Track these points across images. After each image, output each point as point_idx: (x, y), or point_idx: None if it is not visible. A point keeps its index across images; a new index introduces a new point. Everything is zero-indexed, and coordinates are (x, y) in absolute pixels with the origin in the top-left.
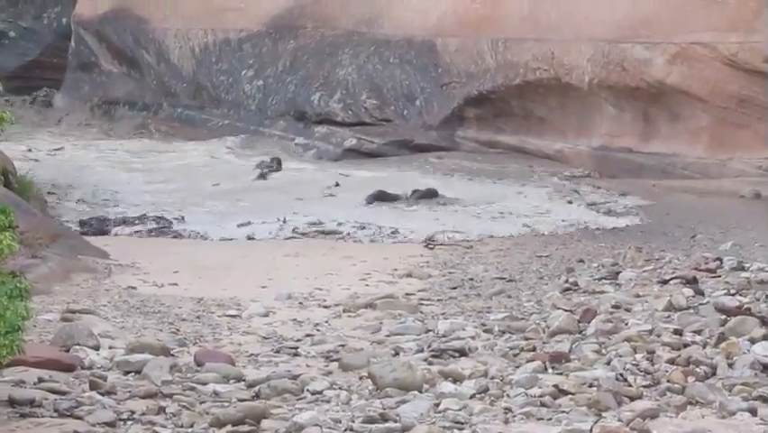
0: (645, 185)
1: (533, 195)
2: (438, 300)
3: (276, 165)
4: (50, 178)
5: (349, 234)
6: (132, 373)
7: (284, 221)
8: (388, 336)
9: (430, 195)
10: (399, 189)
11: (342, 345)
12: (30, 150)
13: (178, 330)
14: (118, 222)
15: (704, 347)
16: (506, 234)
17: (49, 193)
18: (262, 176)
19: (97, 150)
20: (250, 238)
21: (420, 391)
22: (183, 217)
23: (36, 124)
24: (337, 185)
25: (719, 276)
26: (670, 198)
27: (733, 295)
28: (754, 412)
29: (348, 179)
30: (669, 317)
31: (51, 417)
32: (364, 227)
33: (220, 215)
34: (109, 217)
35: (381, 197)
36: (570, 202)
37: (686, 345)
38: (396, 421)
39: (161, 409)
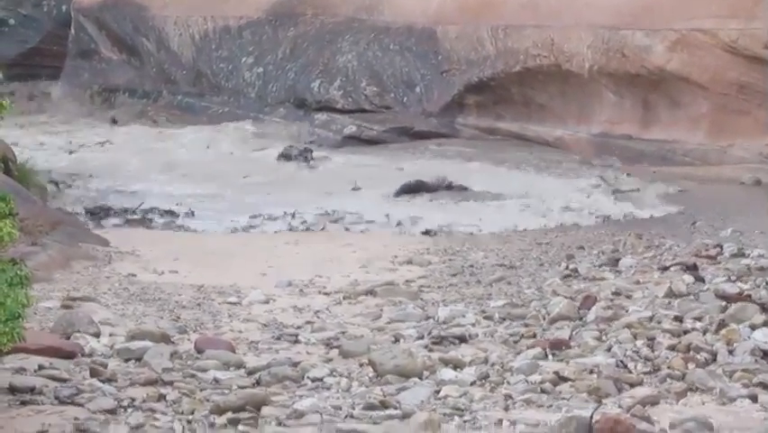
0: (647, 171)
1: (562, 186)
2: (438, 287)
3: (310, 156)
4: (82, 170)
5: (367, 229)
6: (133, 361)
7: (293, 216)
8: (388, 322)
9: (460, 187)
10: (427, 181)
11: (343, 332)
12: (70, 142)
13: (178, 317)
14: (119, 212)
15: (704, 334)
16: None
17: (68, 185)
18: (309, 166)
19: (128, 140)
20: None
21: (420, 378)
22: (192, 213)
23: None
24: (358, 187)
25: (720, 263)
26: (702, 186)
27: (733, 281)
28: (754, 399)
29: (375, 169)
30: (669, 303)
31: (52, 404)
32: (383, 221)
33: (240, 209)
34: (112, 207)
35: (413, 188)
36: (603, 194)
37: (686, 332)
38: (396, 408)
39: (162, 397)
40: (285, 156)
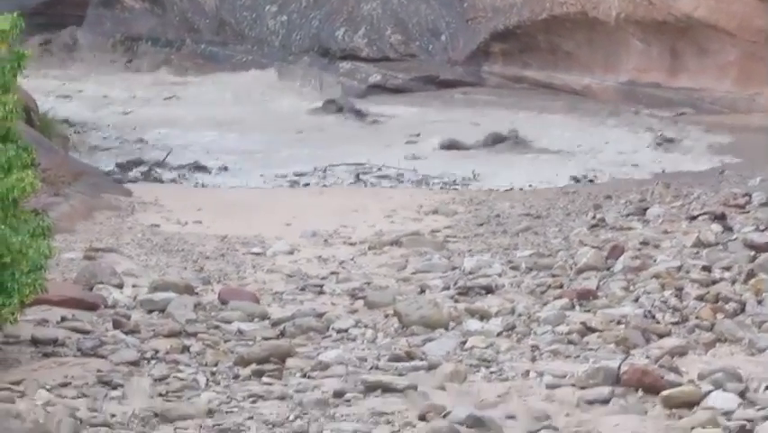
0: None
1: (618, 138)
2: (464, 237)
3: (355, 109)
4: (133, 123)
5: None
6: (156, 312)
7: (324, 171)
8: (413, 273)
9: (516, 141)
10: (478, 134)
11: (368, 283)
12: (134, 96)
13: (201, 268)
14: (150, 165)
15: (733, 284)
16: None
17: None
18: (374, 122)
19: (179, 95)
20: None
21: (446, 329)
22: (226, 168)
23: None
24: (418, 135)
25: (748, 212)
26: (751, 134)
27: (762, 231)
28: None
29: (433, 126)
30: (697, 253)
31: (75, 356)
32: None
33: (286, 163)
34: (144, 160)
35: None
36: (653, 145)
37: (715, 282)
38: (422, 359)
39: (185, 348)
40: (331, 107)
